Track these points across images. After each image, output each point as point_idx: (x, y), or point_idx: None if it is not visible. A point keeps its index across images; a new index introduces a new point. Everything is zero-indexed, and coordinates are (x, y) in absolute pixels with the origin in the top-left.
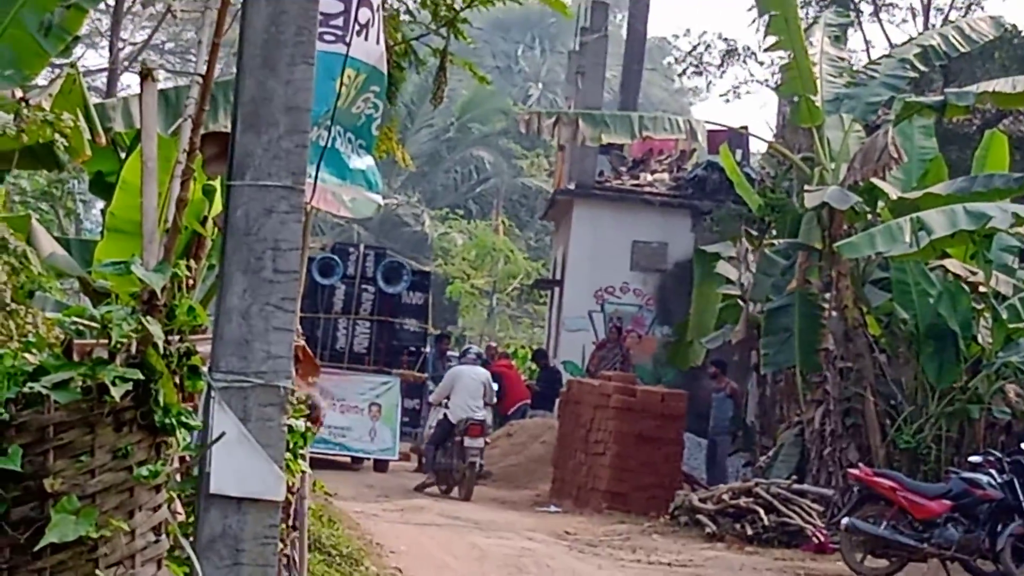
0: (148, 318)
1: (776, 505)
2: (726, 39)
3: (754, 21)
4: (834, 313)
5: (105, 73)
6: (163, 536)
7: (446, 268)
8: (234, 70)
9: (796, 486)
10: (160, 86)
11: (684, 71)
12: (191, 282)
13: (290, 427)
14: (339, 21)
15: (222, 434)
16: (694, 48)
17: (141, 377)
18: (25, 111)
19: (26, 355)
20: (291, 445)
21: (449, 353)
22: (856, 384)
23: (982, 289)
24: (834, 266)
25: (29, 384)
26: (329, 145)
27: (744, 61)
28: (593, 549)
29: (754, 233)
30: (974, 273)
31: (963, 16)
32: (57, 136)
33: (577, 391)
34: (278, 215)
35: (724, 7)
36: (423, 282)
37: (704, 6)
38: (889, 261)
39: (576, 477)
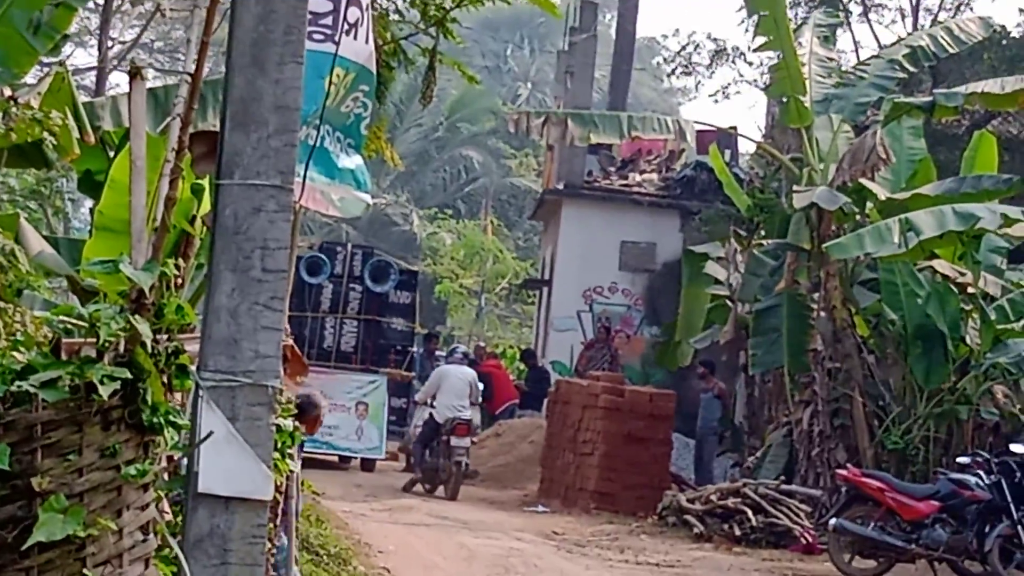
0: (136, 317)
1: (764, 506)
2: (715, 39)
3: (743, 21)
4: (822, 314)
5: (94, 72)
6: (151, 535)
7: (435, 268)
8: (223, 69)
9: (784, 487)
10: (149, 85)
11: (673, 71)
12: (179, 281)
13: (278, 426)
14: (328, 20)
15: (210, 433)
16: (683, 48)
17: (129, 376)
18: (14, 109)
19: (14, 354)
20: (279, 444)
21: (437, 353)
22: (844, 385)
23: (970, 290)
24: (822, 267)
25: (17, 383)
26: (318, 144)
27: (733, 61)
28: (581, 549)
29: (743, 233)
30: (962, 274)
31: (952, 17)
32: (46, 134)
33: (565, 391)
34: (267, 214)
35: (713, 7)
36: (410, 281)
37: (693, 6)
38: (877, 262)
39: (564, 477)
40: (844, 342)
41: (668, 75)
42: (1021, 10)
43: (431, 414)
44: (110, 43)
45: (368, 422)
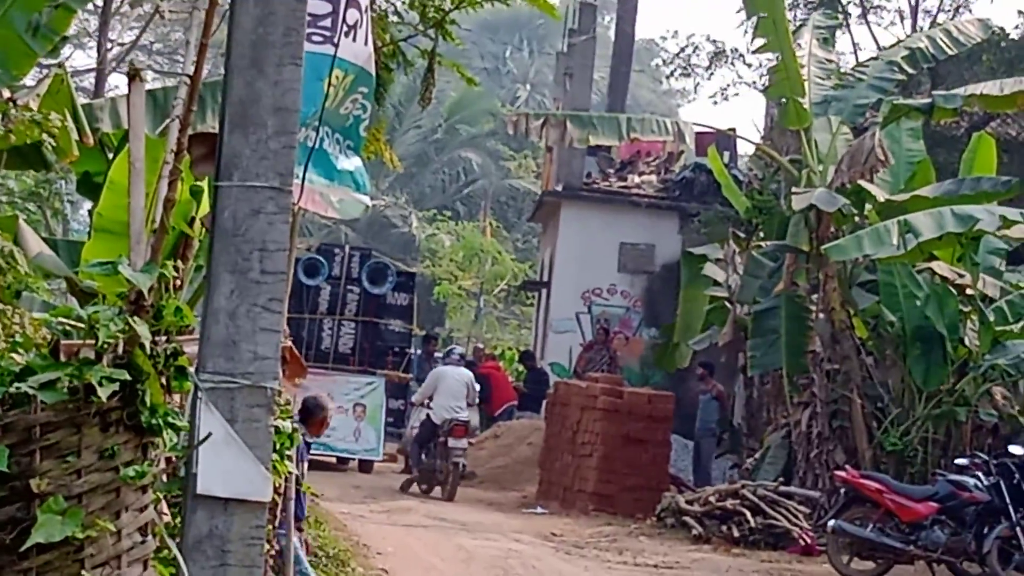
0: (135, 319)
1: (763, 507)
2: (714, 41)
3: (742, 23)
4: (821, 315)
5: (93, 73)
6: (149, 537)
7: (434, 269)
8: (222, 71)
9: (783, 488)
10: (148, 87)
11: (672, 73)
12: (178, 283)
13: (277, 428)
14: (327, 22)
15: (209, 435)
16: (682, 50)
17: (128, 378)
18: (13, 111)
19: (13, 355)
20: (278, 446)
21: (436, 355)
22: (843, 386)
23: (969, 292)
24: (821, 268)
25: (16, 384)
26: (317, 146)
27: (732, 63)
28: (580, 551)
29: (741, 235)
30: (961, 275)
31: (951, 19)
32: (45, 136)
33: (564, 393)
34: (266, 216)
35: (712, 9)
36: (408, 283)
37: (692, 8)
38: (876, 263)
39: (563, 479)
40: (843, 344)
41: (667, 77)
42: (1020, 12)
43: (428, 415)
44: (109, 45)
45: (366, 423)
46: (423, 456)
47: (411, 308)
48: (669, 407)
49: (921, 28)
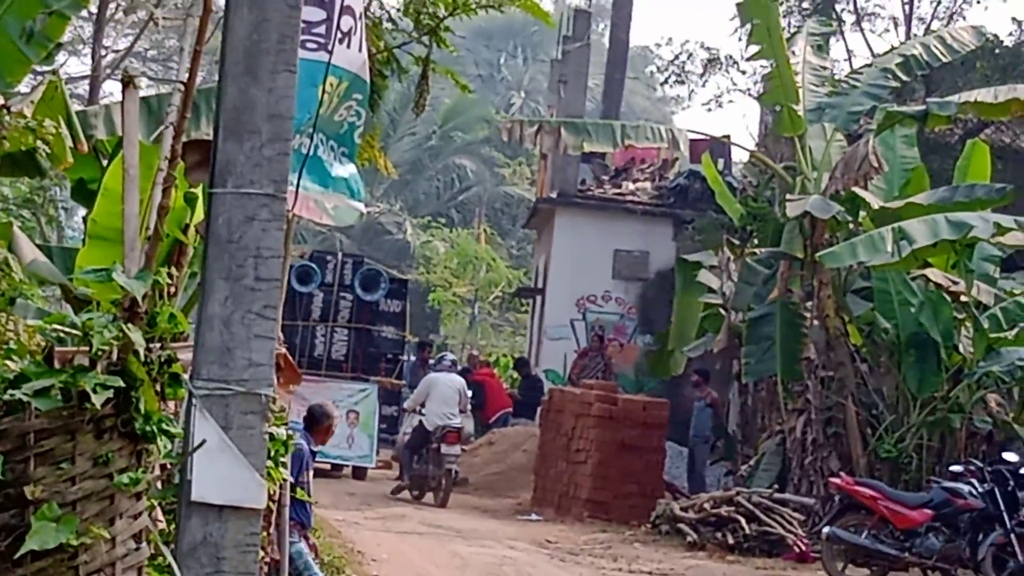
0: (129, 325)
1: (757, 514)
2: (708, 48)
3: (736, 30)
4: (816, 322)
5: (87, 80)
6: (144, 544)
7: (428, 276)
8: (216, 78)
9: (777, 495)
10: (142, 93)
11: (666, 80)
12: (173, 290)
13: (271, 435)
14: (321, 29)
15: (203, 442)
16: (676, 57)
17: (122, 384)
18: (7, 118)
19: (7, 362)
20: (272, 453)
21: (430, 362)
22: (837, 393)
23: (963, 299)
24: (816, 275)
25: (10, 391)
26: (311, 153)
27: (726, 70)
28: (574, 558)
29: (736, 242)
30: (955, 283)
31: (945, 26)
32: (39, 143)
33: (559, 400)
34: (260, 223)
35: (706, 16)
36: (401, 290)
37: (686, 15)
38: (871, 270)
39: (557, 486)
40: (837, 351)
41: (661, 84)
42: (1014, 19)
43: (420, 421)
44: (103, 52)
45: (359, 430)
46: (415, 462)
47: (404, 315)
48: (664, 414)
49: (915, 35)
